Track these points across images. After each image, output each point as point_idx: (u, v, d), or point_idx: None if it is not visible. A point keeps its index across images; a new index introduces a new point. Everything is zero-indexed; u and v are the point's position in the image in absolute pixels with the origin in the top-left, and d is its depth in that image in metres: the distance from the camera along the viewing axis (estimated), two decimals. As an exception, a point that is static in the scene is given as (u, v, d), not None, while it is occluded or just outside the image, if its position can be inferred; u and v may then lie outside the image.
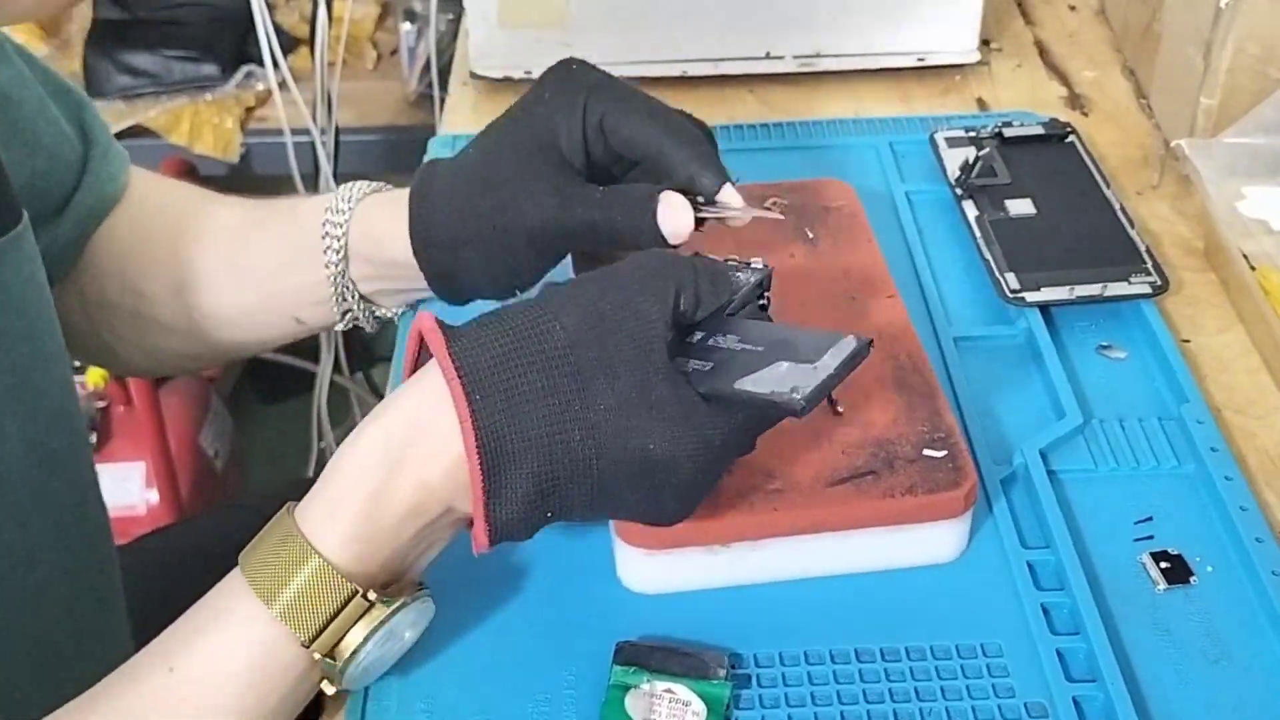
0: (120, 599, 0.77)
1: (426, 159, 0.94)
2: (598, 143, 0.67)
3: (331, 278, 0.74)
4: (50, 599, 0.70)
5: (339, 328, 0.77)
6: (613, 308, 0.56)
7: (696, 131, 0.68)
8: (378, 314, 0.78)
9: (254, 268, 0.77)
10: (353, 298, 0.75)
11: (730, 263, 0.62)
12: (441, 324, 0.56)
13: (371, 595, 0.56)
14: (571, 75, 0.69)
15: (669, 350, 0.56)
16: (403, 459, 0.55)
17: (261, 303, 0.77)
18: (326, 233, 0.73)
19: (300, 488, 1.02)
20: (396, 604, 0.56)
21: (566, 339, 0.55)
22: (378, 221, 0.72)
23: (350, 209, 0.73)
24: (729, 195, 0.67)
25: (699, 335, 0.59)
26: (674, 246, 0.65)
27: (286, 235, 0.76)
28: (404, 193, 0.72)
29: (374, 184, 0.75)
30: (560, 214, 0.66)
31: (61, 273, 0.77)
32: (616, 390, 0.55)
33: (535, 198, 0.67)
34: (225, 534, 1.00)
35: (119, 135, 1.53)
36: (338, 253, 0.73)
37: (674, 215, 0.65)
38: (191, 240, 0.78)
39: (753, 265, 0.62)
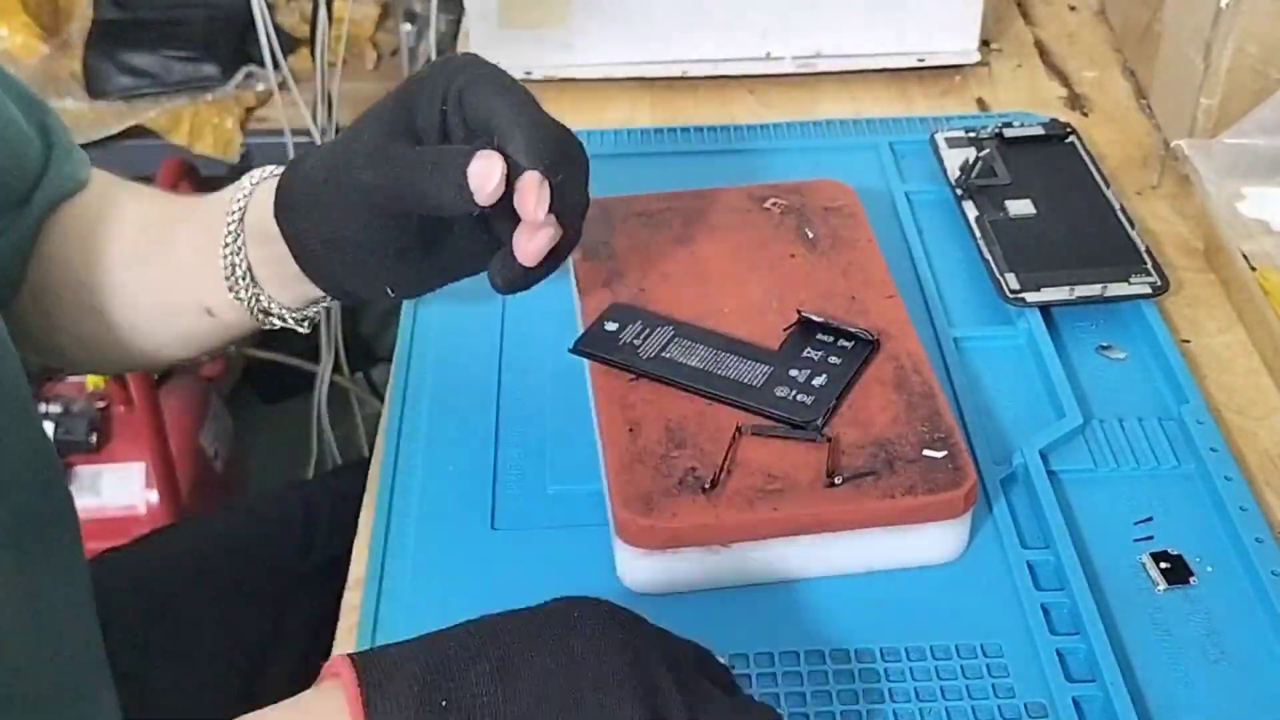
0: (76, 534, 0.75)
1: None
2: (456, 122, 0.65)
3: (227, 258, 0.71)
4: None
5: (260, 323, 0.74)
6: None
7: (542, 117, 0.65)
8: (281, 308, 0.73)
9: (176, 259, 0.75)
10: (248, 282, 0.72)
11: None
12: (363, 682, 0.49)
13: None
14: (450, 58, 0.68)
15: None
16: None
17: (177, 295, 0.75)
18: (228, 210, 0.71)
19: (300, 490, 1.01)
20: None
21: None
22: (266, 196, 0.70)
23: (253, 186, 0.71)
24: (526, 184, 0.62)
25: None
26: (483, 208, 0.62)
27: (204, 220, 0.74)
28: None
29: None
30: (373, 170, 0.64)
31: (20, 267, 0.76)
32: None
33: (360, 156, 0.64)
34: (224, 536, 1.01)
35: (119, 136, 1.53)
36: (233, 234, 0.71)
37: (484, 170, 0.61)
38: (128, 228, 0.76)
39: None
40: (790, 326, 0.73)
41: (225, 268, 0.71)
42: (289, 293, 0.72)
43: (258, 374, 1.94)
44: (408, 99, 0.66)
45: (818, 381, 0.69)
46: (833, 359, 0.70)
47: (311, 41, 1.50)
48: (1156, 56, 0.99)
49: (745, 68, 1.04)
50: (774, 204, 0.82)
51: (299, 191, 0.68)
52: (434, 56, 1.52)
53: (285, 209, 0.68)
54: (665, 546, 0.64)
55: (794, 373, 0.70)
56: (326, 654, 0.64)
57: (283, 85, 1.50)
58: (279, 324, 0.74)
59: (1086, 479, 0.71)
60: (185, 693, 0.87)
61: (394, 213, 0.65)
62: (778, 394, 0.68)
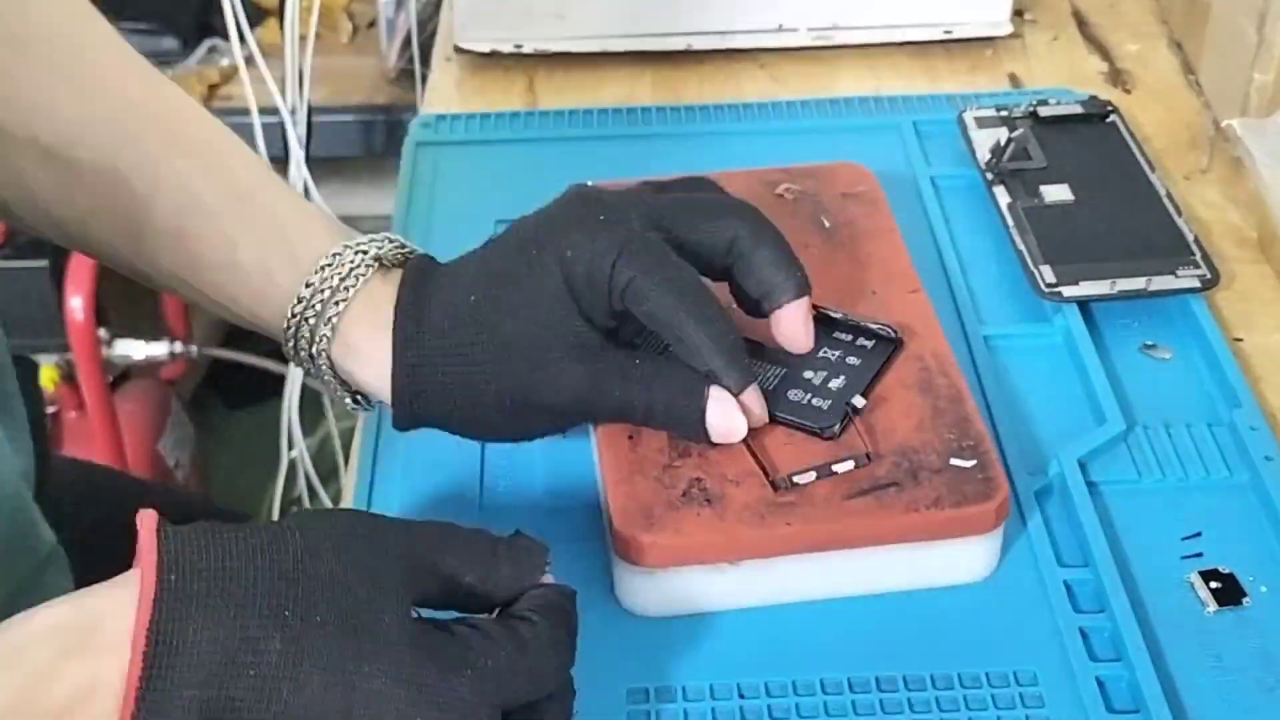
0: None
1: (405, 167, 0.93)
2: (620, 306, 0.64)
3: (299, 353, 0.67)
4: None
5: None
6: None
7: (724, 322, 0.64)
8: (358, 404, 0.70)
9: (138, 219, 0.68)
10: (331, 376, 0.67)
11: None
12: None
13: None
14: (599, 221, 0.64)
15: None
16: (79, 645, 0.49)
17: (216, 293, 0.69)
18: (295, 330, 0.65)
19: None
20: None
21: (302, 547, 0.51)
22: (358, 342, 0.65)
23: (334, 323, 0.65)
24: (751, 400, 0.65)
25: None
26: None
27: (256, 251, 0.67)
28: (390, 313, 0.65)
29: (372, 253, 0.66)
30: (592, 393, 0.63)
31: None
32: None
33: (560, 370, 0.63)
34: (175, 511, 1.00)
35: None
36: (310, 357, 0.66)
37: (725, 416, 0.64)
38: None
39: None
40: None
41: (301, 361, 0.67)
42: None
43: (222, 376, 1.94)
44: (567, 268, 0.63)
45: (835, 384, 0.69)
46: (851, 359, 0.70)
47: (281, 12, 1.50)
48: (1206, 28, 0.99)
49: (755, 40, 1.04)
50: (787, 190, 0.82)
51: (433, 388, 0.64)
52: (415, 29, 1.52)
53: (415, 400, 0.64)
54: (668, 564, 0.64)
55: (809, 375, 0.69)
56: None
57: (249, 60, 1.50)
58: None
59: (1129, 490, 0.71)
60: None
61: (589, 423, 0.67)
62: (791, 398, 0.68)
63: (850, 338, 0.71)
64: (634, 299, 0.63)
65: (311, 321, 0.65)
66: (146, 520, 0.51)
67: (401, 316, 0.64)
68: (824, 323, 0.72)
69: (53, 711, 0.47)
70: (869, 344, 0.71)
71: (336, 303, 0.65)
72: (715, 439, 0.64)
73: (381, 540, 0.53)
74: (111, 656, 0.48)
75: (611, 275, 0.63)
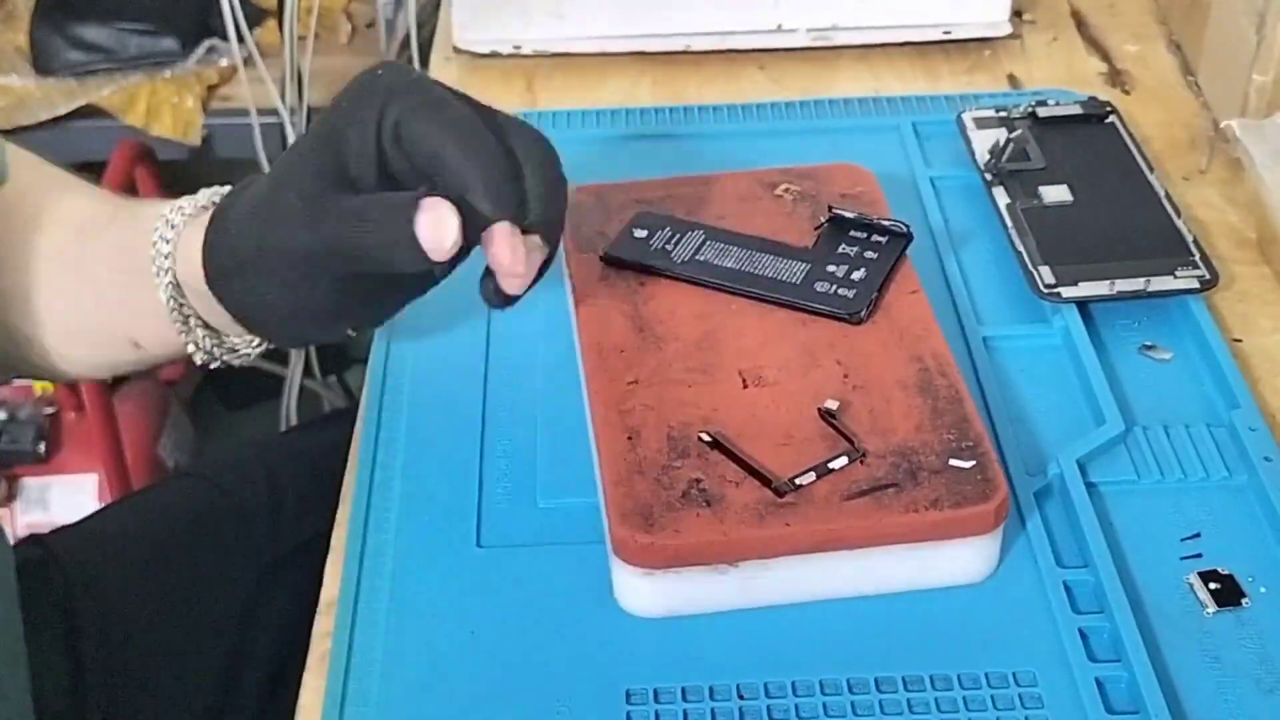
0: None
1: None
2: (397, 157, 0.63)
3: (169, 307, 0.70)
4: None
5: (197, 360, 0.73)
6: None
7: (495, 150, 0.62)
8: (234, 350, 0.73)
9: (92, 277, 0.74)
10: (196, 328, 0.71)
11: None
12: None
13: None
14: (374, 79, 0.64)
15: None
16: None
17: (97, 321, 0.75)
18: (156, 252, 0.69)
19: (261, 457, 1.00)
20: None
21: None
22: (194, 248, 0.68)
23: (177, 232, 0.69)
24: (496, 239, 0.61)
25: None
26: (436, 264, 0.61)
27: (123, 246, 0.72)
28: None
29: (214, 192, 0.71)
30: (308, 232, 0.62)
31: None
32: None
33: (286, 215, 0.63)
34: (177, 506, 1.00)
35: (69, 116, 1.54)
36: (171, 283, 0.69)
37: (433, 225, 0.59)
38: (37, 235, 0.75)
39: None
40: (821, 225, 0.79)
41: (174, 319, 0.70)
42: (244, 340, 0.72)
43: (221, 377, 1.93)
44: (335, 139, 0.63)
45: (857, 275, 0.75)
46: (869, 253, 0.76)
47: (280, 13, 1.50)
48: (1205, 29, 0.99)
49: (755, 41, 1.04)
50: (786, 190, 0.82)
51: (229, 261, 0.66)
52: (414, 29, 1.52)
53: (218, 278, 0.67)
54: (667, 566, 0.64)
55: (831, 268, 0.75)
56: (300, 669, 0.65)
57: (248, 61, 1.50)
58: (208, 361, 0.74)
59: (1128, 491, 0.71)
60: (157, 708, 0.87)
61: (340, 274, 0.64)
62: (818, 289, 0.74)
63: (865, 235, 0.78)
64: (405, 136, 0.62)
65: (165, 250, 0.69)
66: None
67: (219, 202, 0.68)
68: (839, 223, 0.79)
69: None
70: (883, 239, 0.77)
71: (179, 218, 0.69)
72: (428, 252, 0.60)
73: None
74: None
75: (380, 124, 0.62)
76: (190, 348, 0.72)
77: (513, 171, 0.63)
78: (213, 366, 0.74)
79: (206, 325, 0.71)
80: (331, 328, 0.69)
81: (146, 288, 0.70)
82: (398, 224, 0.60)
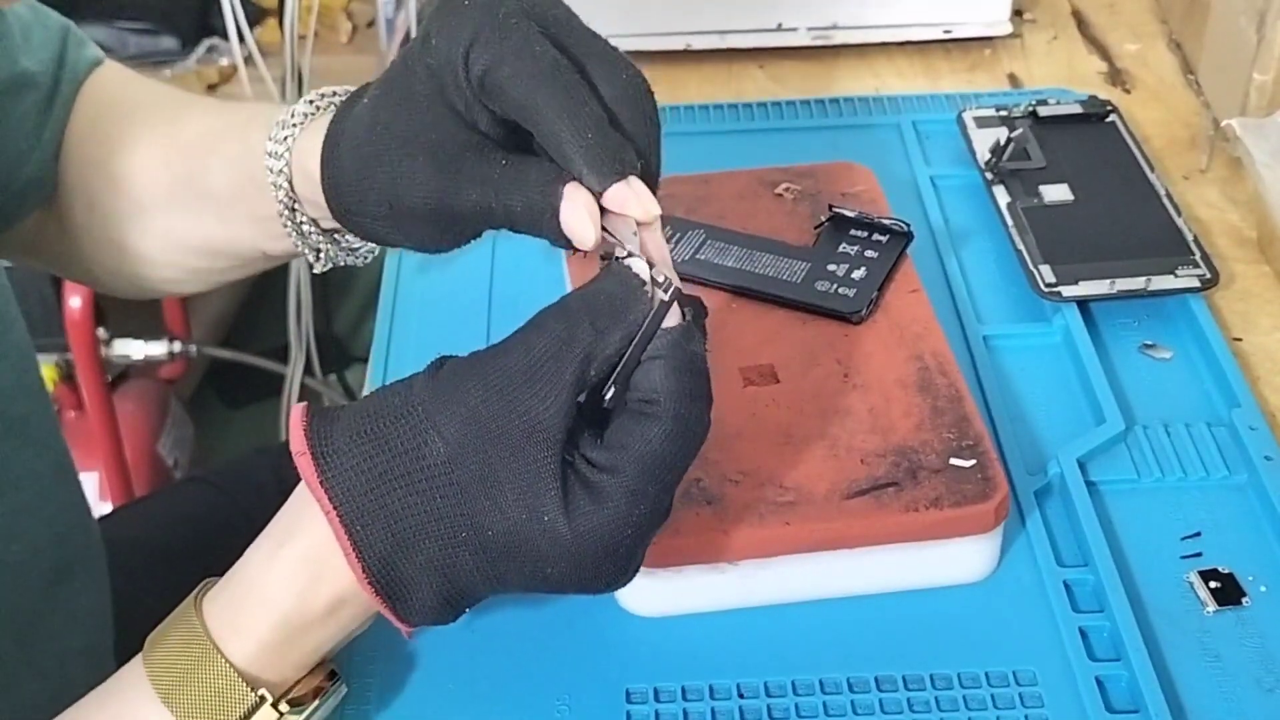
0: (103, 569, 0.78)
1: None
2: (481, 102, 0.59)
3: (283, 217, 0.70)
4: (32, 571, 0.72)
5: (317, 269, 0.73)
6: (496, 413, 0.53)
7: (589, 112, 0.58)
8: (354, 250, 0.73)
9: (211, 194, 0.73)
10: (315, 235, 0.71)
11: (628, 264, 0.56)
12: (311, 437, 0.55)
13: (283, 707, 0.56)
14: (458, 11, 0.59)
15: (564, 446, 0.54)
16: (318, 575, 0.56)
17: (224, 231, 0.74)
18: (269, 168, 0.69)
19: (267, 457, 1.00)
20: (308, 711, 0.57)
21: (445, 453, 0.54)
22: (311, 162, 0.67)
23: (289, 145, 0.68)
24: (618, 199, 0.57)
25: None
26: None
27: (238, 161, 0.72)
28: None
29: (321, 97, 0.69)
30: (448, 198, 0.60)
31: (43, 200, 0.77)
32: (504, 512, 0.54)
33: (419, 177, 0.60)
34: (186, 513, 1.00)
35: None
36: (287, 194, 0.69)
37: (578, 218, 0.57)
38: (149, 151, 0.75)
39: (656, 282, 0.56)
40: (821, 224, 0.79)
41: (289, 228, 0.70)
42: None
43: (221, 376, 1.94)
44: (436, 80, 0.60)
45: (857, 274, 0.75)
46: (869, 252, 0.76)
47: (280, 12, 1.50)
48: (1205, 28, 0.99)
49: (755, 40, 1.04)
50: (787, 189, 0.82)
51: (350, 196, 0.64)
52: (414, 29, 1.52)
53: (344, 211, 0.65)
54: (667, 564, 0.64)
55: (832, 267, 0.75)
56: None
57: (248, 60, 1.50)
58: (333, 263, 0.73)
59: (1128, 490, 0.71)
60: None
61: (478, 228, 0.63)
62: (819, 288, 0.74)
63: (866, 233, 0.77)
64: (493, 90, 0.58)
65: (279, 156, 0.68)
66: (301, 460, 0.55)
67: (329, 129, 0.66)
68: (839, 221, 0.79)
69: (322, 608, 0.56)
70: (883, 238, 0.77)
71: (294, 126, 0.68)
72: (574, 243, 0.57)
73: (517, 426, 0.54)
74: (347, 578, 0.56)
75: (466, 65, 0.58)
76: (316, 253, 0.72)
77: (608, 135, 0.58)
78: (326, 269, 0.73)
79: (322, 230, 0.71)
80: (427, 244, 0.65)
81: (266, 201, 0.69)
82: (544, 208, 0.57)
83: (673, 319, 0.55)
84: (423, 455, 0.54)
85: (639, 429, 0.54)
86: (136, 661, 0.57)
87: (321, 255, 0.72)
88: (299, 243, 0.71)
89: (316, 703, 0.58)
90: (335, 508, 0.54)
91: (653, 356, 0.55)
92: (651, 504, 0.55)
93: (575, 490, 0.54)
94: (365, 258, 0.74)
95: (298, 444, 0.55)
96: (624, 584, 0.58)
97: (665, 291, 0.55)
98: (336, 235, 0.71)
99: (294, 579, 0.56)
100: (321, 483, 0.54)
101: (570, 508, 0.54)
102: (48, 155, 0.76)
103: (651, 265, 0.55)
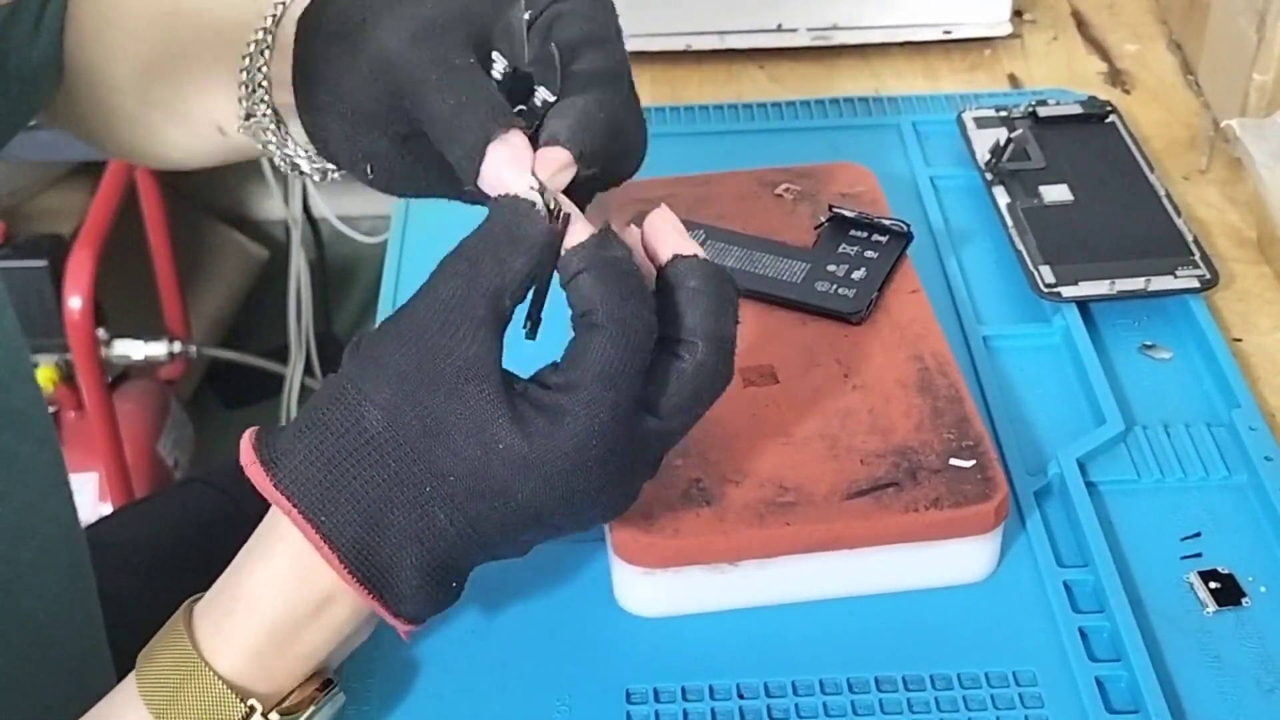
0: (90, 574, 0.78)
1: None
2: (538, 34, 0.60)
3: (246, 63, 0.67)
4: (46, 571, 0.71)
5: (273, 157, 0.70)
6: (420, 364, 0.53)
7: (614, 98, 0.60)
8: (287, 152, 0.69)
9: (189, 68, 0.72)
10: (262, 101, 0.68)
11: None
12: (258, 447, 0.55)
13: (274, 716, 0.56)
14: None
15: (506, 378, 0.54)
16: (303, 576, 0.56)
17: (183, 96, 0.74)
18: (252, 48, 0.67)
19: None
20: (302, 719, 0.57)
21: (383, 419, 0.54)
22: (284, 42, 0.66)
23: (274, 23, 0.67)
24: (545, 157, 0.58)
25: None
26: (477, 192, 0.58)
27: (223, 34, 0.71)
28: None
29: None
30: (412, 76, 0.59)
31: (57, 80, 0.77)
32: (459, 454, 0.54)
33: (398, 26, 0.59)
34: (186, 513, 1.00)
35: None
36: (263, 36, 0.67)
37: (496, 167, 0.57)
38: (135, 18, 0.75)
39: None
40: (821, 225, 0.78)
41: (244, 79, 0.68)
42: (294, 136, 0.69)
43: (221, 376, 1.94)
44: (476, 14, 0.60)
45: (857, 275, 0.75)
46: (869, 253, 0.76)
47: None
48: (1205, 28, 0.99)
49: (755, 40, 1.04)
50: (786, 190, 0.82)
51: (329, 24, 0.63)
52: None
53: (302, 34, 0.65)
54: (667, 565, 0.64)
55: (832, 268, 0.75)
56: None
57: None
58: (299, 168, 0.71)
59: (1128, 491, 0.71)
60: None
61: (404, 133, 0.63)
62: (819, 289, 0.74)
63: (865, 234, 0.77)
64: (555, 33, 0.60)
65: (256, 56, 0.67)
66: (252, 470, 0.55)
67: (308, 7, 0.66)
68: (839, 222, 0.78)
69: (309, 610, 0.56)
70: (883, 239, 0.77)
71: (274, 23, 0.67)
72: (485, 187, 0.57)
73: (445, 371, 0.54)
74: (330, 574, 0.55)
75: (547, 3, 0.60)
76: (249, 118, 0.69)
77: (606, 129, 0.61)
78: (280, 167, 0.71)
79: (277, 116, 0.68)
80: (357, 152, 0.65)
81: (229, 59, 0.68)
82: (469, 143, 0.57)
83: (584, 233, 0.55)
84: (363, 428, 0.54)
85: (582, 341, 0.54)
86: (130, 679, 0.57)
87: (252, 123, 0.69)
88: (245, 98, 0.68)
89: (311, 709, 0.57)
90: (294, 505, 0.54)
91: (578, 271, 0.55)
92: (611, 410, 0.54)
93: (528, 414, 0.54)
94: (313, 176, 0.71)
95: (246, 457, 0.55)
96: (614, 511, 0.58)
97: (556, 214, 0.55)
98: (282, 119, 0.69)
99: (279, 583, 0.56)
100: (275, 485, 0.54)
101: (527, 431, 0.54)
102: (52, 35, 0.75)
103: (543, 191, 0.55)
